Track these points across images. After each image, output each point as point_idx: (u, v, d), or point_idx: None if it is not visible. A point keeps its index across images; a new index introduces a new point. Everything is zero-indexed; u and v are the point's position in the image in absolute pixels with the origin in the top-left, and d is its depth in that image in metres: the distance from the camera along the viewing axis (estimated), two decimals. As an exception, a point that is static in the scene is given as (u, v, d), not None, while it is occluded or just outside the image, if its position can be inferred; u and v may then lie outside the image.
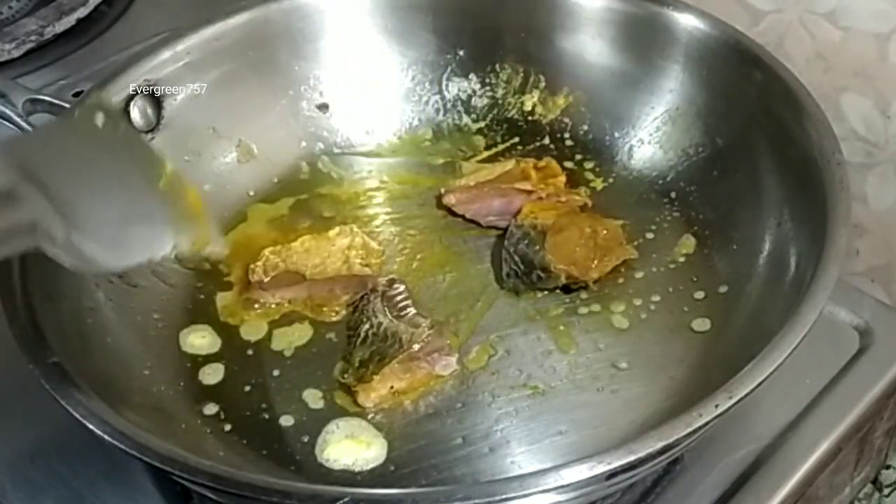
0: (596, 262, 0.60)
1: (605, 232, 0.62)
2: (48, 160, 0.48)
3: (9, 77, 0.69)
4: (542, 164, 0.66)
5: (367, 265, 0.61)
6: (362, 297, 0.59)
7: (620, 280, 0.61)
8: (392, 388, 0.55)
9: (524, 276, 0.60)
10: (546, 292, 0.60)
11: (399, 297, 0.58)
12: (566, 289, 0.60)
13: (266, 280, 0.59)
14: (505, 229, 0.63)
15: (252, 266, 0.60)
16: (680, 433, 0.43)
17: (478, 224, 0.65)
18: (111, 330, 0.55)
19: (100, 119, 0.52)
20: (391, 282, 0.60)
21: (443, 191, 0.65)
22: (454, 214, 0.65)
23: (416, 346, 0.55)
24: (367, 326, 0.57)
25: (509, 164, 0.66)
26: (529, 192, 0.63)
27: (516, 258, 0.60)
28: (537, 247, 0.60)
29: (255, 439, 0.54)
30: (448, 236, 0.65)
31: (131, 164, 0.52)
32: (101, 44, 0.84)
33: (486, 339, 0.58)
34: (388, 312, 0.57)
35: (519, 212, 0.63)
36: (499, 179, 0.64)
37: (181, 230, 0.52)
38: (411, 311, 0.57)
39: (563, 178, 0.65)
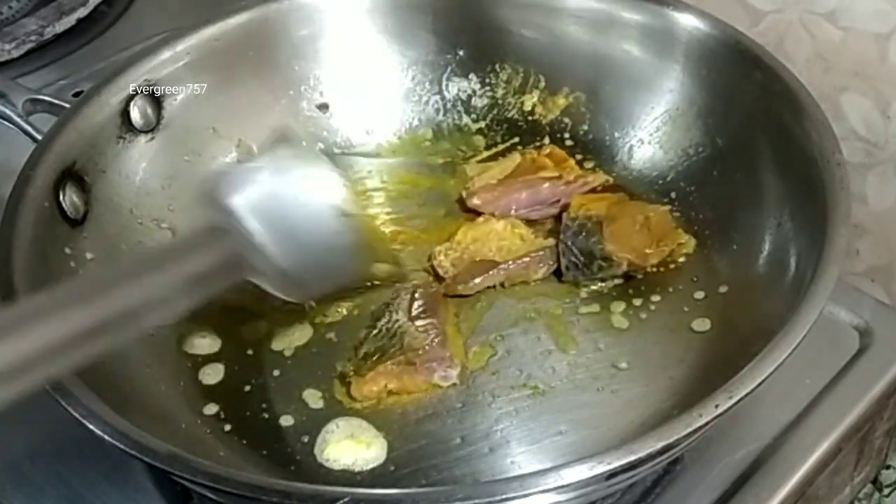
0: (653, 247, 0.61)
1: (656, 218, 0.62)
2: (254, 194, 0.51)
3: (9, 77, 0.69)
4: (545, 151, 0.67)
5: (537, 237, 0.63)
6: (394, 293, 0.60)
7: (620, 280, 0.61)
8: (385, 386, 0.55)
9: (585, 267, 0.60)
10: (589, 287, 0.61)
11: (425, 302, 0.58)
12: (626, 277, 0.61)
13: (458, 273, 0.61)
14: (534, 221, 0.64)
15: (436, 263, 0.62)
16: (680, 433, 0.43)
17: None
18: (111, 330, 0.55)
19: (292, 154, 0.55)
20: (432, 288, 0.60)
21: (464, 194, 0.65)
22: (470, 212, 0.65)
23: (413, 352, 0.55)
24: (384, 320, 0.57)
25: (517, 159, 0.66)
26: (558, 178, 0.64)
27: (575, 250, 0.61)
28: (595, 238, 0.61)
29: (255, 439, 0.54)
30: (448, 237, 0.65)
31: (319, 194, 0.54)
32: (101, 44, 0.84)
33: (486, 339, 0.58)
34: (409, 312, 0.57)
35: (567, 206, 0.63)
36: (518, 172, 0.65)
37: (370, 254, 0.57)
38: (434, 319, 0.57)
39: (573, 161, 0.66)
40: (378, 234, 0.60)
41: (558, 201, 0.64)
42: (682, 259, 0.62)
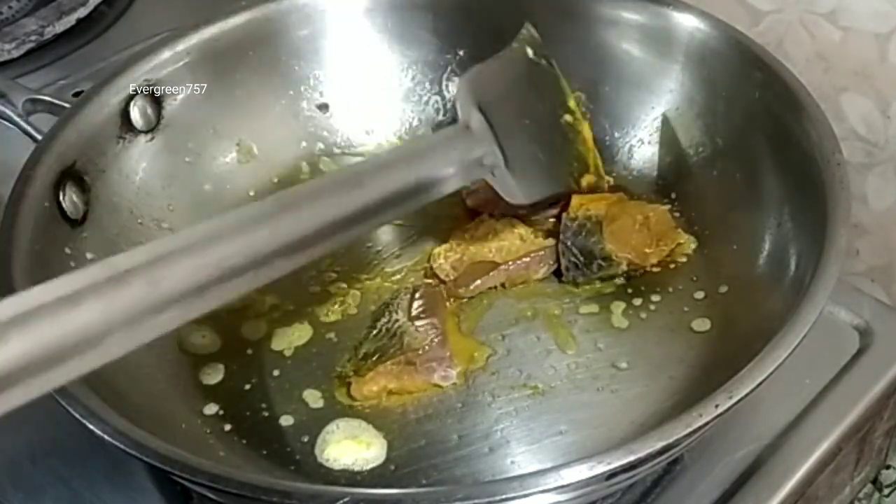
0: (653, 247, 0.61)
1: (656, 218, 0.62)
2: (493, 92, 0.54)
3: (9, 77, 0.69)
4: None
5: (537, 237, 0.63)
6: (395, 292, 0.60)
7: (620, 280, 0.61)
8: (385, 386, 0.55)
9: (585, 267, 0.60)
10: (593, 284, 0.61)
11: (426, 302, 0.58)
12: (627, 276, 0.61)
13: (458, 276, 0.60)
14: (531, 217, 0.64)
15: (436, 266, 0.61)
16: (680, 433, 0.43)
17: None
18: (111, 330, 0.55)
19: (530, 52, 0.59)
20: (433, 286, 0.60)
21: (464, 193, 0.65)
22: (470, 211, 0.65)
23: (413, 352, 0.55)
24: (384, 320, 0.57)
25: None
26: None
27: (574, 250, 0.61)
28: (595, 237, 0.61)
29: (255, 439, 0.54)
30: (447, 237, 0.65)
31: (546, 97, 0.59)
32: (101, 44, 0.84)
33: (486, 339, 0.58)
34: (409, 312, 0.57)
35: (567, 206, 0.63)
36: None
37: (578, 166, 0.59)
38: (434, 319, 0.57)
39: None
40: (590, 144, 0.61)
41: (558, 201, 0.63)
42: (682, 259, 0.62)
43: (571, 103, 0.59)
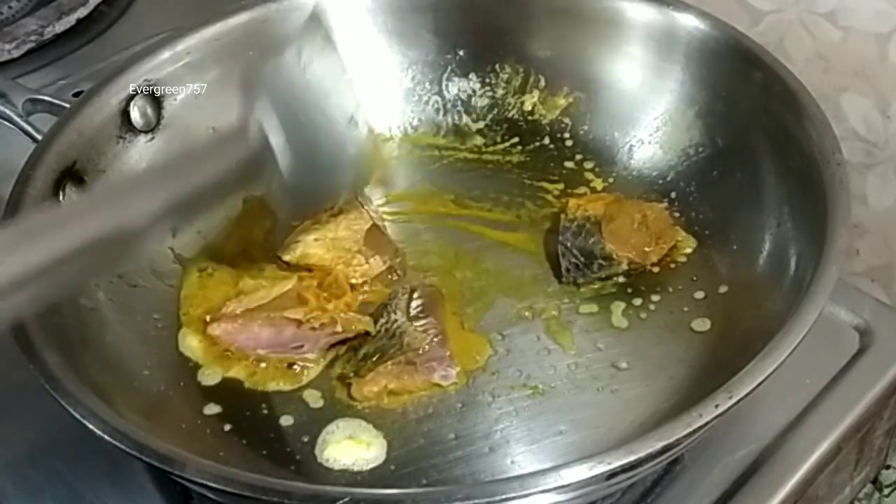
0: (653, 245, 0.61)
1: (654, 216, 0.62)
2: (277, 90, 0.53)
3: (9, 77, 0.69)
4: (328, 279, 0.60)
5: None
6: (391, 292, 0.59)
7: (620, 279, 0.61)
8: (385, 386, 0.55)
9: (585, 267, 0.60)
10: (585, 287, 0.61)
11: (424, 302, 0.58)
12: (627, 276, 0.61)
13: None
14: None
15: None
16: (680, 433, 0.43)
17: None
18: (111, 330, 0.55)
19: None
20: (429, 284, 0.60)
21: (208, 318, 0.58)
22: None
23: (413, 352, 0.55)
24: (383, 321, 0.57)
25: (289, 284, 0.59)
26: (299, 323, 0.56)
27: (575, 251, 0.61)
28: (594, 237, 0.61)
29: (255, 439, 0.53)
30: (447, 237, 0.65)
31: (333, 92, 0.57)
32: (101, 44, 0.84)
33: (486, 339, 0.58)
34: (408, 312, 0.57)
35: (566, 207, 0.63)
36: (270, 306, 0.58)
37: (361, 171, 0.58)
38: (433, 318, 0.57)
39: (349, 297, 0.59)
40: (378, 147, 0.61)
41: (301, 346, 0.57)
42: (682, 259, 0.62)
43: (360, 105, 0.59)
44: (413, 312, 0.57)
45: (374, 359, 0.55)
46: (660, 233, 0.62)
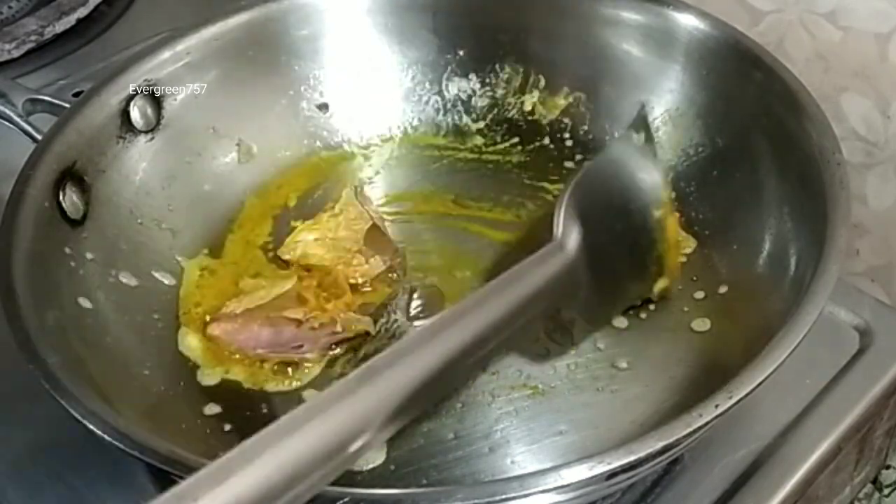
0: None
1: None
2: (595, 199, 0.54)
3: (9, 77, 0.69)
4: (328, 280, 0.60)
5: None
6: (393, 292, 0.59)
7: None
8: None
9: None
10: None
11: (424, 302, 0.58)
12: None
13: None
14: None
15: None
16: (680, 433, 0.43)
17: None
18: (111, 330, 0.55)
19: (637, 138, 0.58)
20: (429, 284, 0.60)
21: (208, 318, 0.59)
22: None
23: None
24: (383, 321, 0.57)
25: (289, 284, 0.59)
26: (299, 323, 0.57)
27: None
28: None
29: (255, 439, 0.53)
30: (447, 237, 0.65)
31: (643, 191, 0.57)
32: (101, 44, 0.84)
33: (486, 339, 0.58)
34: (408, 312, 0.57)
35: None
36: (270, 306, 0.58)
37: (655, 270, 0.57)
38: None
39: (349, 297, 0.59)
40: (672, 241, 0.58)
41: (301, 346, 0.57)
42: (682, 259, 0.62)
43: (664, 194, 0.58)
44: (413, 312, 0.57)
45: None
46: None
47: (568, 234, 0.51)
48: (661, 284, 0.58)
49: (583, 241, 0.51)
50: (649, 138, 0.59)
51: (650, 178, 0.57)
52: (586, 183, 0.54)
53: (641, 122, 0.59)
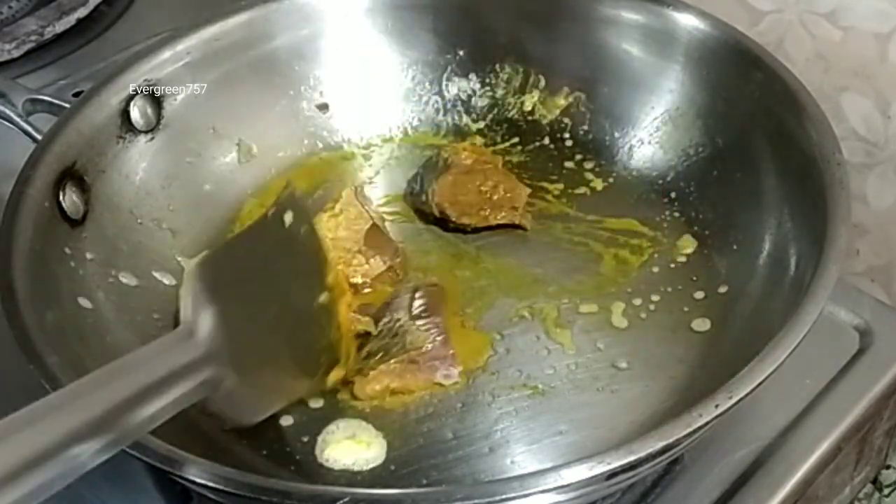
0: (481, 212, 0.64)
1: (507, 194, 0.64)
2: (232, 277, 0.47)
3: (9, 77, 0.69)
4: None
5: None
6: (394, 291, 0.60)
7: (620, 279, 0.61)
8: (388, 385, 0.55)
9: (416, 195, 0.66)
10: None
11: (427, 301, 0.58)
12: (444, 225, 0.64)
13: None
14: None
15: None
16: (680, 433, 0.43)
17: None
18: (111, 330, 0.55)
19: (288, 217, 0.51)
20: (431, 283, 0.60)
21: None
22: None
23: (416, 351, 0.55)
24: (385, 320, 0.57)
25: None
26: None
27: (418, 177, 0.67)
28: (432, 175, 0.65)
29: (255, 439, 0.53)
30: (446, 237, 0.65)
31: (301, 273, 0.51)
32: (101, 44, 0.84)
33: (487, 339, 0.58)
34: (410, 311, 0.57)
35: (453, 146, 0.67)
36: None
37: (326, 359, 0.51)
38: (436, 318, 0.57)
39: (349, 297, 0.56)
40: (344, 329, 0.52)
41: None
42: (682, 259, 0.62)
43: (330, 278, 0.51)
44: (416, 311, 0.57)
45: (377, 357, 0.55)
46: (497, 207, 0.64)
47: (199, 318, 0.44)
48: (335, 375, 0.52)
49: (219, 328, 0.44)
50: (303, 217, 0.52)
51: (306, 262, 0.51)
52: (222, 260, 0.48)
53: (291, 200, 0.52)
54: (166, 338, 0.44)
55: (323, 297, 0.51)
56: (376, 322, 0.58)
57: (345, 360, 0.53)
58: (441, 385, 0.56)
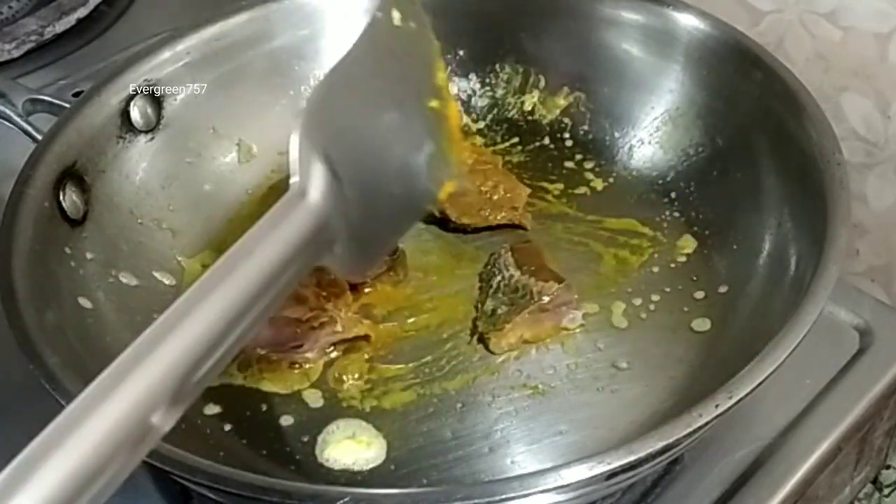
0: (481, 212, 0.64)
1: (507, 194, 0.64)
2: (342, 116, 0.43)
3: (9, 77, 0.69)
4: (327, 279, 0.58)
5: None
6: (492, 253, 0.61)
7: (620, 279, 0.61)
8: (521, 336, 0.57)
9: None
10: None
11: (527, 256, 0.60)
12: (444, 225, 0.64)
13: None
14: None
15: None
16: (680, 433, 0.43)
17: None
18: (111, 330, 0.55)
19: (396, 17, 0.47)
20: (525, 241, 0.62)
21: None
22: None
23: (545, 299, 0.57)
24: (498, 278, 0.59)
25: None
26: (299, 323, 0.56)
27: None
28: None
29: (255, 439, 0.53)
30: (446, 237, 0.65)
31: (411, 78, 0.47)
32: (101, 44, 0.84)
33: (486, 339, 0.58)
34: (519, 266, 0.59)
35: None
36: None
37: (439, 173, 0.47)
38: (544, 268, 0.59)
39: (348, 297, 0.59)
40: (456, 133, 0.48)
41: (301, 346, 0.56)
42: (682, 259, 0.62)
43: (440, 77, 0.48)
44: (524, 267, 0.59)
45: (507, 312, 0.57)
46: (497, 208, 0.64)
47: (309, 176, 0.41)
48: (448, 188, 0.49)
49: (330, 179, 0.41)
50: (411, 12, 0.48)
51: (417, 63, 0.47)
52: (327, 100, 0.43)
53: None
54: (279, 206, 0.40)
55: (434, 102, 0.47)
56: (487, 281, 0.60)
57: (457, 168, 0.49)
58: (566, 329, 0.57)
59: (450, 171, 0.49)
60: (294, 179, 0.40)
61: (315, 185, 0.40)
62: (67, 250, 0.56)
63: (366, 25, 0.48)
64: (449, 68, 0.71)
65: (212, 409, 0.55)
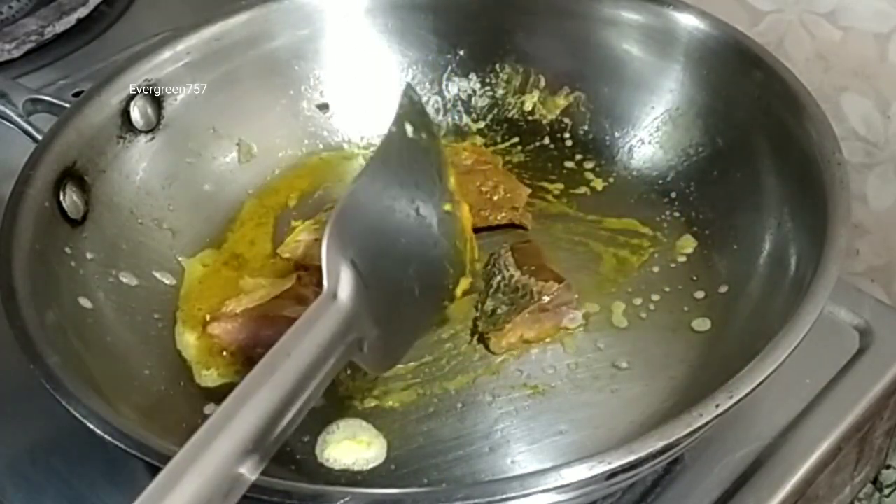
0: (481, 212, 0.63)
1: (507, 194, 0.65)
2: (366, 224, 0.47)
3: (9, 77, 0.69)
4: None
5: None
6: (492, 253, 0.61)
7: (621, 279, 0.61)
8: (522, 336, 0.57)
9: None
10: None
11: (527, 256, 0.60)
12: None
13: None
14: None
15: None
16: (680, 433, 0.43)
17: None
18: (111, 330, 0.55)
19: (409, 129, 0.52)
20: (525, 241, 0.62)
21: (208, 318, 0.58)
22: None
23: (545, 299, 0.57)
24: (499, 278, 0.59)
25: (288, 284, 0.58)
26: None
27: None
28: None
29: (255, 439, 0.53)
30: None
31: (425, 188, 0.51)
32: (101, 44, 0.84)
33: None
34: (519, 266, 0.59)
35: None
36: (270, 305, 0.57)
37: (454, 274, 0.52)
38: (543, 268, 0.59)
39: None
40: (468, 232, 0.53)
41: None
42: (682, 259, 0.62)
43: (452, 182, 0.52)
44: (524, 267, 0.59)
45: (508, 311, 0.57)
46: (498, 208, 0.64)
47: (338, 280, 0.45)
48: (463, 285, 0.55)
49: (357, 281, 0.45)
50: (422, 125, 0.52)
51: (430, 170, 0.51)
52: (350, 209, 0.47)
53: (410, 109, 0.52)
54: (313, 308, 0.44)
55: (448, 205, 0.52)
56: (488, 280, 0.59)
57: (471, 267, 0.54)
58: (567, 329, 0.57)
59: (464, 268, 0.54)
60: (325, 282, 0.44)
61: (343, 287, 0.44)
62: (67, 250, 0.56)
63: (382, 138, 0.52)
64: (449, 68, 0.71)
65: (212, 409, 0.55)
